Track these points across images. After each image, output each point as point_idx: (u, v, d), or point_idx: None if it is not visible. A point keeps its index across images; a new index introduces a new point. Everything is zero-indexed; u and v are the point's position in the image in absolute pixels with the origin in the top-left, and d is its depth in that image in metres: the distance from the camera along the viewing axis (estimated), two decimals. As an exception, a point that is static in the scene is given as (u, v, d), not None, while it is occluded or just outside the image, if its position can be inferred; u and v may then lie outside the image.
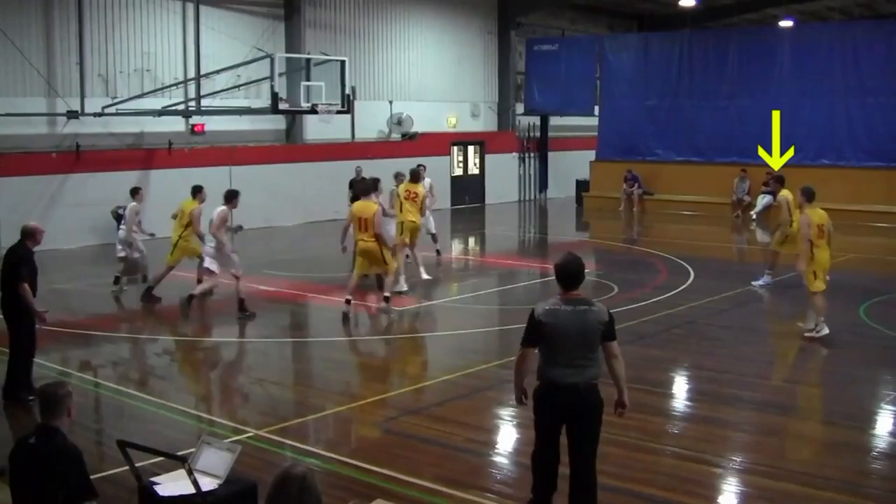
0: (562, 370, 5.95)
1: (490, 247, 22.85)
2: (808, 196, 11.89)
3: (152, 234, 14.86)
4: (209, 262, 13.26)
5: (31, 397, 8.75)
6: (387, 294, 13.19)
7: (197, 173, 19.41)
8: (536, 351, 6.12)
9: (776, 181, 15.54)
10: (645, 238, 23.44)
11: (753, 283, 15.19)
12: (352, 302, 12.98)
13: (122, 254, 14.69)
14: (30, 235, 9.16)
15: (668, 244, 20.84)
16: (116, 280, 14.74)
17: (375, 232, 12.76)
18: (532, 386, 6.21)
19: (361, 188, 13.74)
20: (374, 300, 13.94)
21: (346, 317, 12.84)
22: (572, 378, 5.92)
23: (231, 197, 13.26)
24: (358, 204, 13.16)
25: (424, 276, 15.49)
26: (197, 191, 14.17)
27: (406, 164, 21.38)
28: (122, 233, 14.85)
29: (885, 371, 10.50)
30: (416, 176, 15.40)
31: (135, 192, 14.84)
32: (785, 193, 14.87)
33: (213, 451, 5.82)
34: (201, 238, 13.85)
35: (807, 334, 11.66)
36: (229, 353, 12.13)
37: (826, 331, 11.57)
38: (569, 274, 6.05)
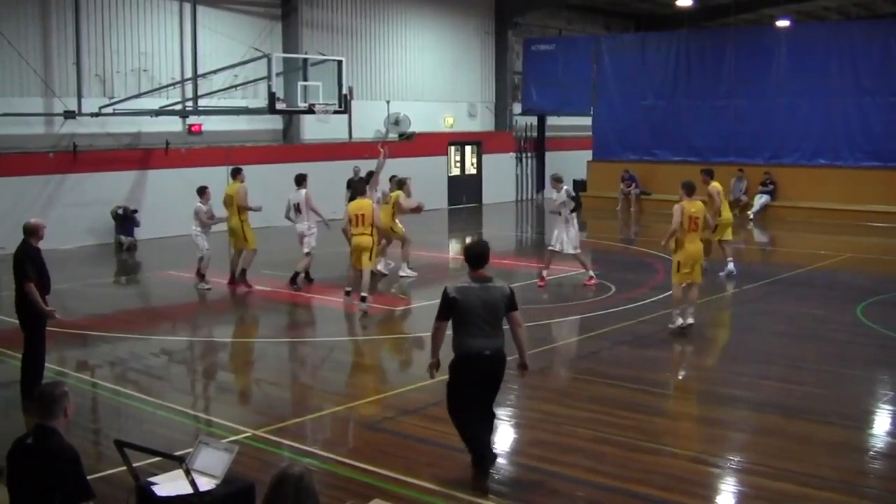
0: (474, 339, 6.83)
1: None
2: (689, 190, 12.19)
3: (223, 219, 15.09)
4: (311, 240, 14.75)
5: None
6: (364, 294, 13.36)
7: (194, 173, 19.42)
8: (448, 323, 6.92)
9: (706, 174, 15.78)
10: (642, 238, 23.42)
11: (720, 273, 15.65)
12: (351, 293, 13.63)
13: (203, 252, 15.03)
14: (32, 232, 9.11)
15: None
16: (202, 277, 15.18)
17: (376, 225, 13.45)
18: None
19: (360, 188, 14.62)
20: (371, 299, 14.00)
21: (363, 310, 13.24)
22: (484, 346, 6.83)
23: (302, 179, 14.97)
24: (353, 203, 13.90)
25: (404, 272, 15.89)
26: (237, 172, 15.17)
27: (405, 164, 21.40)
28: (194, 232, 15.06)
29: (882, 371, 10.52)
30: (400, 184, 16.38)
31: (202, 192, 14.98)
32: (715, 185, 15.70)
33: (211, 451, 5.83)
34: (249, 209, 14.82)
35: (670, 325, 11.98)
36: (227, 353, 12.12)
37: (680, 322, 11.84)
38: (476, 254, 7.08)
